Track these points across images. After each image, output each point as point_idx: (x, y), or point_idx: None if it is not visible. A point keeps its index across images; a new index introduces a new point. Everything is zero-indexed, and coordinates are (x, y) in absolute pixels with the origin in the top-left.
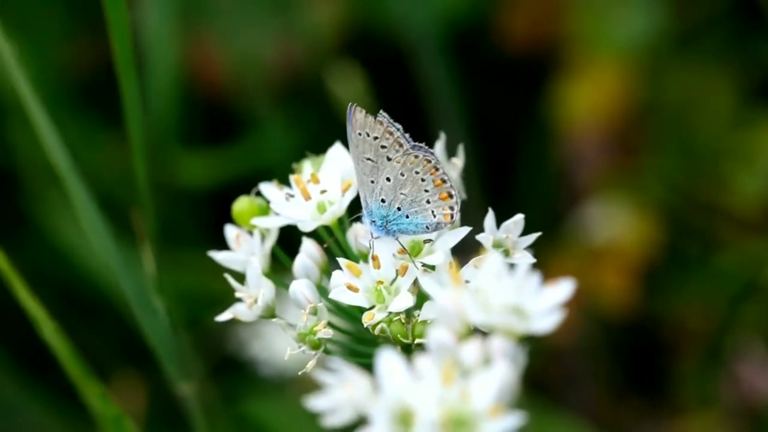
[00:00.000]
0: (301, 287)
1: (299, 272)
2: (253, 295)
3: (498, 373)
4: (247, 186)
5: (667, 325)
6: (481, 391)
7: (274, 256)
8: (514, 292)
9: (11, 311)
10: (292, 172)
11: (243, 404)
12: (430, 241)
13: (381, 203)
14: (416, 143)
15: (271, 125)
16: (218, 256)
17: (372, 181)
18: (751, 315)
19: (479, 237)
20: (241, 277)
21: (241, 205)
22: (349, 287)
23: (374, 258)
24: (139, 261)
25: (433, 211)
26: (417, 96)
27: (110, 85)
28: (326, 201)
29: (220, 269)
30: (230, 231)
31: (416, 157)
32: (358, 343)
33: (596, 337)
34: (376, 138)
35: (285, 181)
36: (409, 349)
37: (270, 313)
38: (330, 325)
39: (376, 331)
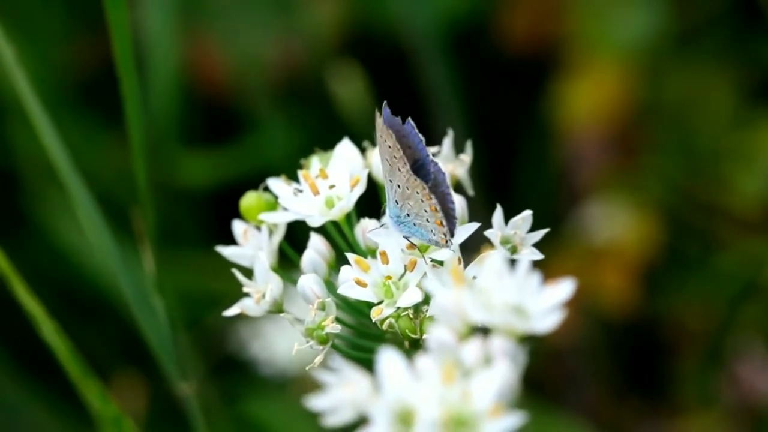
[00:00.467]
0: (309, 282)
1: (307, 267)
2: (261, 290)
3: (499, 373)
4: (248, 186)
5: (667, 325)
6: (481, 390)
7: (281, 251)
8: (515, 291)
9: (11, 311)
10: (293, 171)
11: (243, 404)
12: None
13: (396, 203)
14: (418, 159)
15: (271, 125)
16: (226, 251)
17: (390, 181)
18: (751, 315)
19: (488, 233)
20: (248, 273)
21: (249, 200)
22: (358, 282)
23: (382, 253)
24: (138, 261)
25: (432, 230)
26: (417, 96)
27: (110, 85)
28: (335, 196)
29: (220, 269)
30: (238, 226)
31: (415, 179)
32: (365, 339)
33: (596, 337)
34: (389, 147)
35: (291, 178)
36: (417, 344)
37: (278, 308)
38: (338, 320)
39: (385, 327)
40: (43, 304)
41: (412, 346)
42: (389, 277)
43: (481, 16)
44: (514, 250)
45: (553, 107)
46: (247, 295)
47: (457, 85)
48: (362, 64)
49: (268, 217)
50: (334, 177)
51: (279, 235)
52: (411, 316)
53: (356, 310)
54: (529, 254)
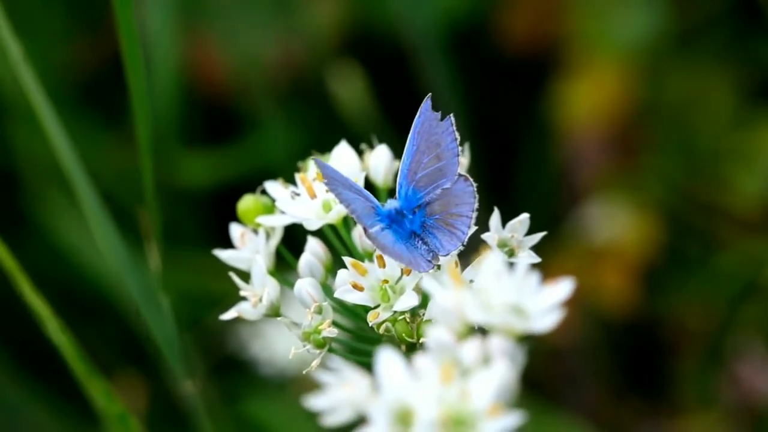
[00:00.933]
0: (306, 286)
1: (304, 271)
2: (258, 293)
3: (497, 373)
4: (248, 186)
5: (667, 325)
6: (480, 390)
7: (278, 254)
8: (514, 291)
9: (12, 311)
10: (293, 171)
11: (243, 404)
12: None
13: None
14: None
15: (271, 125)
16: (223, 254)
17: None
18: (751, 315)
19: (485, 236)
20: (245, 276)
21: (247, 203)
22: (354, 286)
23: (379, 257)
24: (142, 260)
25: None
26: (417, 96)
27: (111, 85)
28: (332, 199)
29: (220, 269)
30: (235, 229)
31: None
32: (362, 342)
33: (596, 337)
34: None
35: (287, 181)
36: (413, 348)
37: (275, 312)
38: (334, 323)
39: (381, 330)
40: (46, 304)
41: (408, 349)
42: (386, 281)
43: (481, 16)
44: (511, 253)
45: (553, 107)
46: (244, 298)
47: (457, 85)
48: (362, 64)
49: (265, 220)
50: None
51: (276, 239)
52: (408, 319)
53: (353, 314)
54: (527, 258)
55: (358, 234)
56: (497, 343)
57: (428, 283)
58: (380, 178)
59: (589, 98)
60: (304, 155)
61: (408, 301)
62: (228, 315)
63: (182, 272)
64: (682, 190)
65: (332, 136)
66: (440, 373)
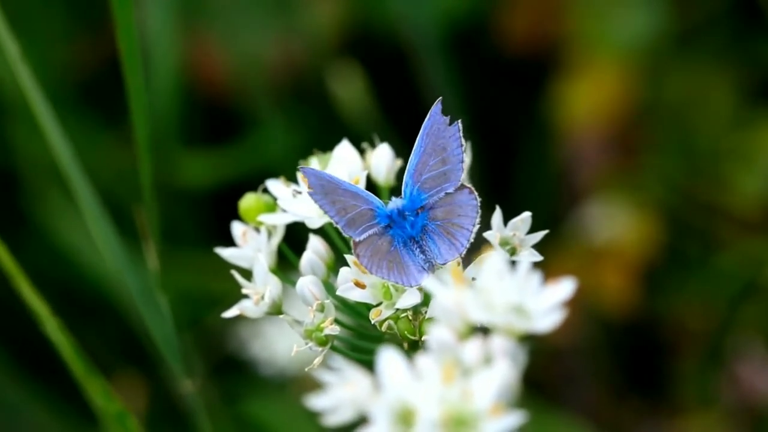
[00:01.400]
0: (308, 283)
1: (306, 269)
2: (260, 291)
3: (499, 373)
4: (248, 186)
5: (667, 325)
6: (481, 390)
7: (280, 253)
8: (516, 291)
9: (12, 311)
10: (293, 171)
11: (243, 404)
12: None
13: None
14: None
15: (271, 125)
16: (225, 252)
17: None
18: (751, 315)
19: (487, 234)
20: (247, 274)
21: (248, 201)
22: (357, 284)
23: None
24: (140, 259)
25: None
26: (417, 96)
27: (111, 85)
28: None
29: (220, 269)
30: (237, 227)
31: None
32: (364, 340)
33: (596, 337)
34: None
35: (289, 180)
36: (415, 346)
37: (277, 310)
38: (337, 321)
39: (383, 328)
40: (45, 303)
41: (411, 347)
42: None
43: (481, 16)
44: (513, 251)
45: (553, 107)
46: (246, 296)
47: (457, 85)
48: (362, 64)
49: (267, 218)
50: None
51: (278, 237)
52: (410, 317)
53: (355, 312)
54: (528, 256)
55: None
56: (499, 343)
57: (430, 282)
58: (382, 177)
59: (589, 98)
60: (304, 155)
61: (410, 298)
62: (230, 313)
63: (182, 272)
64: (682, 190)
65: (332, 136)
66: (442, 372)
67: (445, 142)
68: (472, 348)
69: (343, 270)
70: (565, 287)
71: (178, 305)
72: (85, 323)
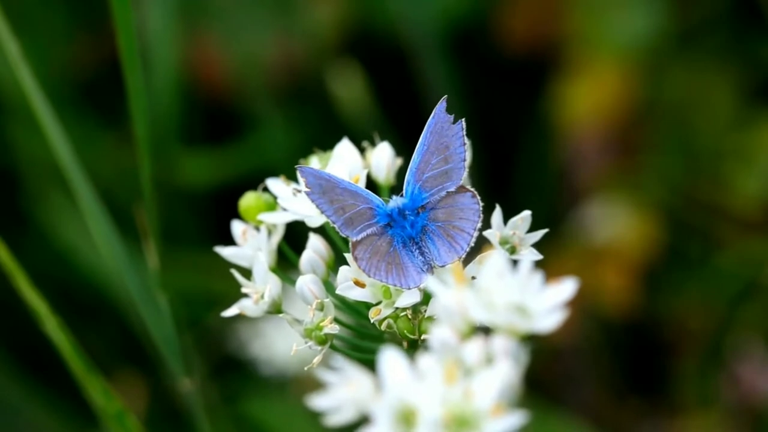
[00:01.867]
0: (307, 282)
1: (306, 268)
2: (260, 290)
3: (500, 373)
4: (248, 186)
5: (667, 325)
6: (483, 390)
7: (280, 251)
8: (517, 290)
9: (12, 311)
10: (293, 171)
11: (243, 404)
12: None
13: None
14: None
15: (271, 125)
16: (225, 251)
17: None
18: (751, 315)
19: (486, 233)
20: (247, 273)
21: (248, 200)
22: (356, 283)
23: None
24: (140, 258)
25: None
26: (417, 96)
27: (110, 84)
28: None
29: (220, 269)
30: (237, 226)
31: None
32: (363, 339)
33: (596, 337)
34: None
35: (290, 179)
36: (415, 345)
37: (276, 309)
38: (336, 320)
39: (383, 327)
40: (44, 302)
41: (410, 346)
42: None
43: (481, 16)
44: (513, 250)
45: (553, 107)
46: (245, 295)
47: (457, 85)
48: (362, 64)
49: (267, 217)
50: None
51: (278, 236)
52: (409, 316)
53: (355, 311)
54: (528, 255)
55: None
56: (500, 343)
57: (431, 282)
58: (382, 176)
59: (589, 98)
60: (304, 155)
61: (410, 297)
62: (230, 312)
63: (182, 272)
64: (682, 190)
65: (332, 136)
66: (443, 372)
67: (448, 140)
68: (474, 348)
69: (342, 269)
70: (567, 287)
71: (178, 305)
72: (85, 323)
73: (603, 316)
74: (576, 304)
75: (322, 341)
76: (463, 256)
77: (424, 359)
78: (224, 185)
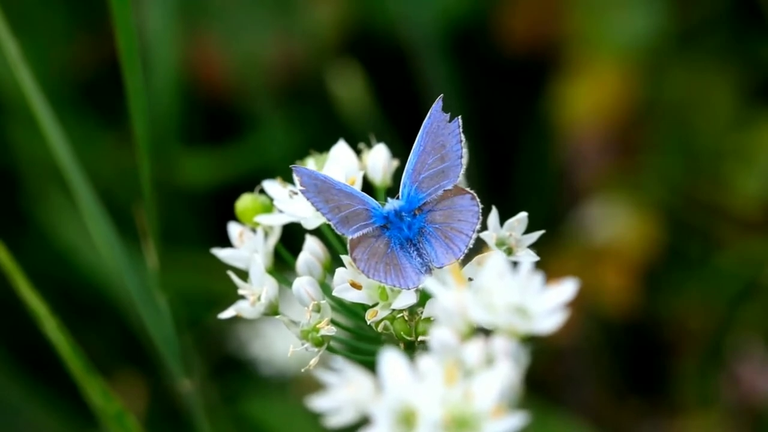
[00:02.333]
0: (304, 284)
1: (302, 269)
2: (257, 292)
3: (501, 373)
4: (248, 185)
5: (667, 325)
6: (483, 391)
7: (277, 253)
8: (518, 291)
9: (12, 311)
10: (292, 171)
11: (243, 404)
12: None
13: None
14: None
15: (271, 125)
16: (221, 253)
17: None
18: (751, 315)
19: (483, 235)
20: (244, 275)
21: (245, 202)
22: (353, 284)
23: None
24: (140, 258)
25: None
26: (417, 96)
27: (110, 84)
28: None
29: (220, 269)
30: (234, 228)
31: None
32: (361, 341)
33: (596, 337)
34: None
35: (286, 180)
36: (412, 347)
37: (273, 311)
38: (333, 322)
39: (380, 329)
40: (44, 303)
41: (407, 348)
42: None
43: (481, 16)
44: (509, 251)
45: (554, 107)
46: (242, 297)
47: (456, 85)
48: (362, 64)
49: (263, 219)
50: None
51: (275, 238)
52: (406, 318)
53: (352, 313)
54: (525, 256)
55: None
56: (500, 344)
57: (430, 283)
58: (378, 177)
59: (589, 98)
60: (304, 155)
61: (406, 299)
62: (226, 314)
63: (182, 272)
64: (682, 190)
65: (332, 136)
66: (443, 373)
67: (444, 139)
68: (474, 349)
69: (339, 270)
70: (567, 288)
71: (177, 305)
72: (85, 323)
73: (603, 316)
74: (576, 304)
75: (319, 343)
76: (461, 257)
77: (424, 360)
78: (224, 185)
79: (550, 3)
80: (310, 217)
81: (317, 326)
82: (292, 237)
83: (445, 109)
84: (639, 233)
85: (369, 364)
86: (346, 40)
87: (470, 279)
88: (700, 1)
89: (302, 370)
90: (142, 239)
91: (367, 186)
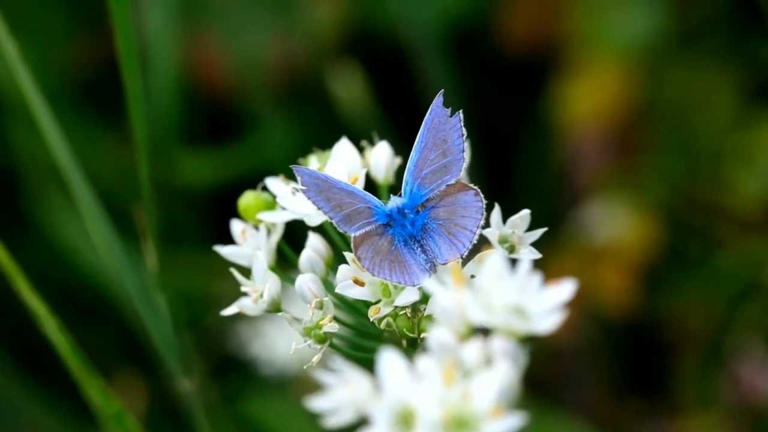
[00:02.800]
0: (306, 281)
1: (305, 266)
2: (259, 289)
3: (499, 374)
4: (248, 185)
5: (667, 325)
6: (482, 391)
7: (279, 251)
8: (516, 292)
9: (12, 311)
10: (292, 171)
11: (243, 404)
12: None
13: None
14: None
15: (271, 125)
16: (224, 250)
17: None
18: (751, 315)
19: (485, 232)
20: (246, 272)
21: (247, 199)
22: (355, 281)
23: None
24: (140, 259)
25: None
26: (417, 96)
27: (110, 84)
28: None
29: (220, 269)
30: (236, 225)
31: None
32: (363, 338)
33: (596, 337)
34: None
35: (289, 179)
36: (414, 343)
37: (276, 308)
38: (335, 319)
39: (382, 326)
40: (44, 303)
41: (409, 345)
42: None
43: (481, 16)
44: (512, 249)
45: (554, 107)
46: (245, 294)
47: (456, 85)
48: (362, 64)
49: (266, 216)
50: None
51: (277, 235)
52: (409, 315)
53: (354, 309)
54: (527, 253)
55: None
56: (499, 344)
57: (430, 283)
58: (381, 175)
59: (589, 98)
60: (304, 155)
61: (409, 296)
62: (229, 310)
63: (182, 272)
64: (682, 190)
65: (332, 136)
66: (442, 374)
67: (445, 134)
68: (473, 349)
69: (342, 267)
70: (565, 288)
71: (177, 305)
72: (85, 323)
73: (603, 316)
74: (576, 304)
75: (322, 340)
76: (465, 253)
77: (423, 360)
78: (224, 185)
79: (550, 3)
80: (312, 214)
81: (320, 323)
82: (294, 234)
83: (445, 106)
84: (639, 233)
85: (371, 362)
86: (346, 40)
87: (473, 276)
88: (700, 1)
89: (304, 368)
90: (142, 239)
91: (370, 184)
